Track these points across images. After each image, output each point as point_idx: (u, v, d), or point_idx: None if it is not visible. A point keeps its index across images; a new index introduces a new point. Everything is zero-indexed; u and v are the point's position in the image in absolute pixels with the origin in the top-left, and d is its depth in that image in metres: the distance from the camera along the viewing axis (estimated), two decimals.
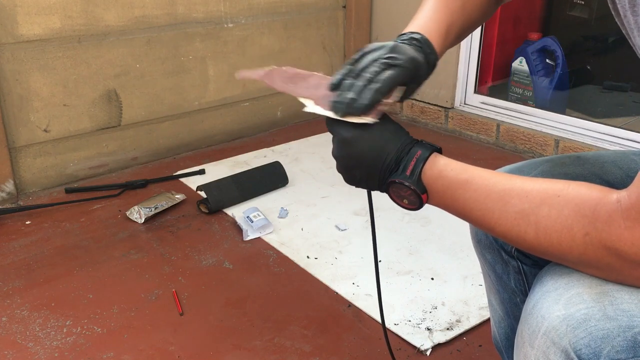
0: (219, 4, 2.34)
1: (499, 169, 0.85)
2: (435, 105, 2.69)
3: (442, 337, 1.35)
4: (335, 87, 0.76)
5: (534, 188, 0.65)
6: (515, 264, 0.89)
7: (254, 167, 2.09)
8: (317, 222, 1.86)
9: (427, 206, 0.75)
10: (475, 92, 2.63)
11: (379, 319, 1.35)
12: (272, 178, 2.05)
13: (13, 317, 1.42)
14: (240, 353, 1.31)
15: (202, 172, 2.20)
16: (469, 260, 1.64)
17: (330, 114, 0.75)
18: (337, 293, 1.52)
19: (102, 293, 1.51)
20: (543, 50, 2.61)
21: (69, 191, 2.05)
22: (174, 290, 1.52)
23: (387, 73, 0.74)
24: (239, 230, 1.79)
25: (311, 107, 0.78)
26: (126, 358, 1.29)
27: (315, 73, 0.83)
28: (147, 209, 1.85)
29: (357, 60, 0.78)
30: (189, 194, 2.00)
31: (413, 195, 0.72)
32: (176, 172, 2.20)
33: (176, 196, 1.95)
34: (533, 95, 2.62)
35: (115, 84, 2.15)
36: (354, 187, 0.78)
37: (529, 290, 0.70)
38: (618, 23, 0.66)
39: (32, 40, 1.93)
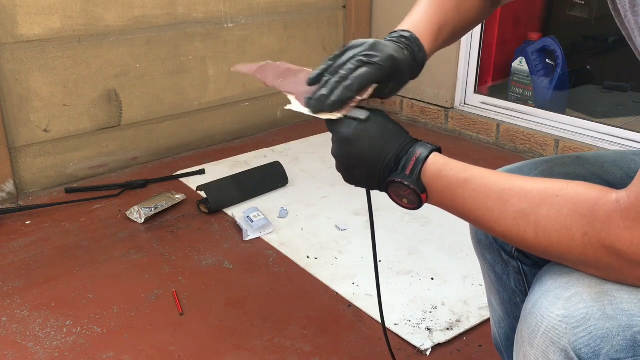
0: (219, 4, 2.34)
1: (499, 169, 0.85)
2: (435, 105, 2.69)
3: (442, 337, 1.35)
4: (312, 82, 0.77)
5: (533, 188, 0.65)
6: (515, 264, 0.89)
7: (254, 167, 2.09)
8: (317, 222, 1.86)
9: (427, 206, 0.75)
10: (475, 92, 2.63)
11: (379, 319, 1.35)
12: (272, 178, 2.05)
13: (13, 317, 1.42)
14: (240, 353, 1.31)
15: (202, 172, 2.20)
16: (469, 260, 1.64)
17: (306, 111, 0.76)
18: (337, 293, 1.52)
19: (102, 293, 1.51)
20: (543, 50, 2.61)
21: (69, 191, 2.05)
22: (174, 290, 1.52)
23: (361, 70, 0.74)
24: (239, 230, 1.79)
25: (293, 102, 0.79)
26: (126, 358, 1.29)
27: (306, 69, 0.83)
28: (147, 209, 1.85)
29: (338, 56, 0.78)
30: (189, 194, 2.00)
31: (412, 195, 0.72)
32: (176, 172, 2.20)
33: (176, 196, 1.95)
34: (533, 95, 2.62)
35: (115, 84, 2.15)
36: (354, 187, 0.79)
37: (529, 290, 0.70)
38: (618, 23, 0.65)
39: (32, 40, 1.93)
